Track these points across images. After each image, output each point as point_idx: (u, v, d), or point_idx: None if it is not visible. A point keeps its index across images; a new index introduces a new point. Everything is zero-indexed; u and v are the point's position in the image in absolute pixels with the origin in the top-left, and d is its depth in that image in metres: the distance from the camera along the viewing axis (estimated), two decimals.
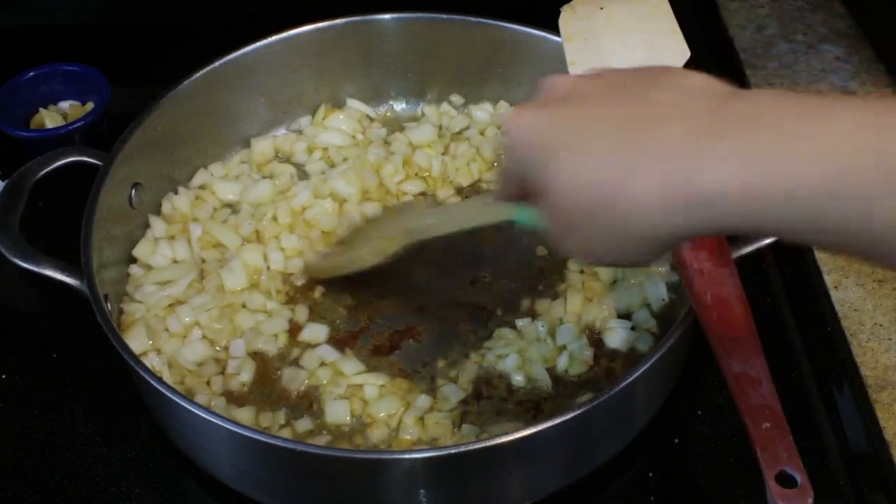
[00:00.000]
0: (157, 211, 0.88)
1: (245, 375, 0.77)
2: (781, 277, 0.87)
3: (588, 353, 0.77)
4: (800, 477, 0.58)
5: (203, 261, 0.85)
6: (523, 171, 0.54)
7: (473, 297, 0.82)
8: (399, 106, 1.00)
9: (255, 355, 0.78)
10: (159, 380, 0.67)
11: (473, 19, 0.94)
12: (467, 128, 0.97)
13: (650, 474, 0.73)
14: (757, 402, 0.62)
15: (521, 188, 0.56)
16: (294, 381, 0.76)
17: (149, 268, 0.84)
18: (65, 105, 1.02)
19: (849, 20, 1.06)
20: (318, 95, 0.97)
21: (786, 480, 0.58)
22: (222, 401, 0.75)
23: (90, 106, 0.99)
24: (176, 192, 0.89)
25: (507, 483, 0.68)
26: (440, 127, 0.97)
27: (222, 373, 0.77)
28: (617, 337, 0.78)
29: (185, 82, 0.88)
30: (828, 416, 0.77)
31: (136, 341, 0.77)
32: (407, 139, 0.95)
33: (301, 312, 0.81)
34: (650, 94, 0.50)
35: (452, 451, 0.63)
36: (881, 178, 0.42)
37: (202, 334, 0.79)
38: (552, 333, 0.79)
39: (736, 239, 0.72)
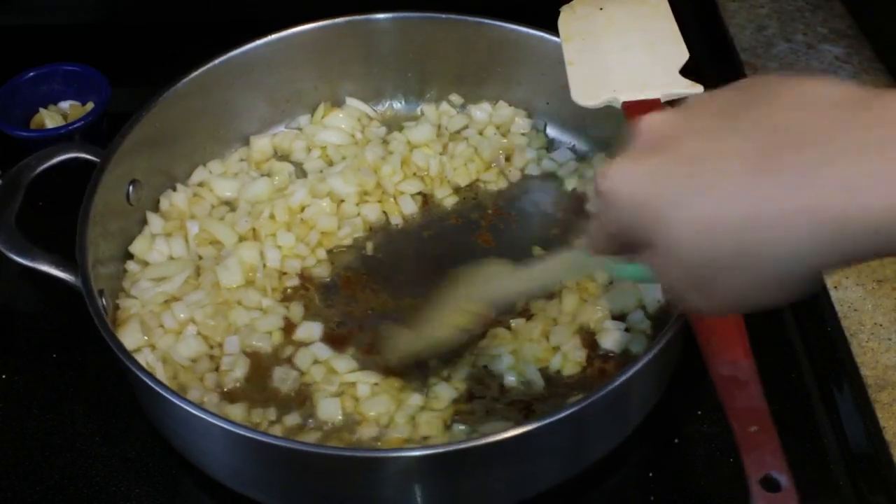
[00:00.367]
0: (155, 208, 0.88)
1: (239, 372, 0.77)
2: None
3: (581, 354, 0.77)
4: (784, 480, 0.57)
5: (200, 257, 0.85)
6: (627, 228, 0.48)
7: None
8: (398, 105, 1.00)
9: (249, 352, 0.78)
10: (150, 375, 0.67)
11: (473, 19, 0.94)
12: (466, 127, 0.97)
13: (650, 474, 0.73)
14: (744, 405, 0.61)
15: (621, 244, 0.51)
16: (285, 381, 0.76)
17: (145, 264, 0.84)
18: (65, 105, 1.02)
19: (849, 20, 1.05)
20: (317, 94, 0.97)
21: (771, 484, 0.58)
22: (215, 397, 0.75)
23: (90, 106, 1.00)
24: (174, 189, 0.89)
25: (499, 481, 0.67)
26: (439, 126, 0.97)
27: (216, 369, 0.77)
28: (611, 338, 0.78)
29: (185, 80, 0.88)
30: (828, 416, 0.76)
31: (130, 337, 0.76)
32: (405, 138, 0.95)
33: (296, 310, 0.81)
34: (770, 118, 0.44)
35: (443, 450, 0.63)
36: None
37: (197, 331, 0.79)
38: (546, 334, 0.78)
39: None
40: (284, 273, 0.84)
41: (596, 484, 0.73)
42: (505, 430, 0.63)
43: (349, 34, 0.94)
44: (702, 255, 0.45)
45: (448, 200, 0.91)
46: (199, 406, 0.65)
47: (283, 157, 0.95)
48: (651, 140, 0.47)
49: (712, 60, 1.05)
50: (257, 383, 0.77)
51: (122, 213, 0.84)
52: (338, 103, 0.98)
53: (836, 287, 0.81)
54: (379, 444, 0.72)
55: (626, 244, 0.51)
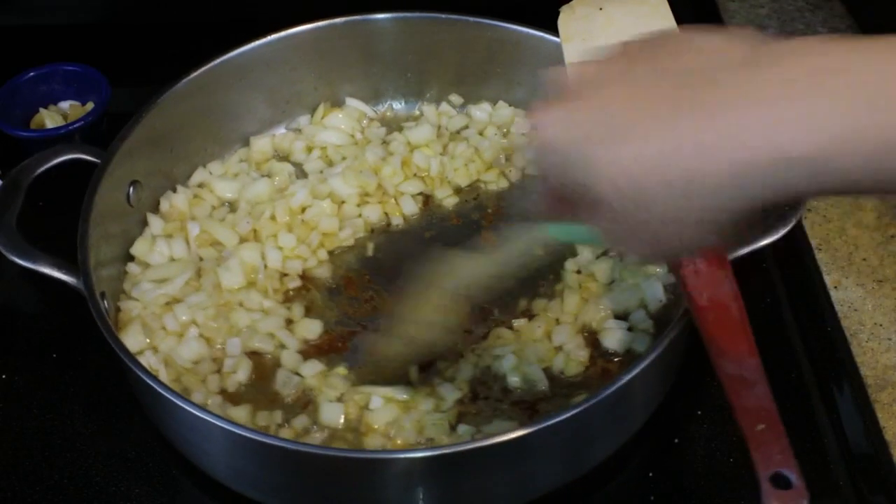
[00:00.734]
0: (156, 209, 0.88)
1: (241, 374, 0.76)
2: (781, 277, 0.87)
3: (584, 354, 0.77)
4: (794, 478, 0.57)
5: (200, 259, 0.84)
6: (562, 176, 0.49)
7: None
8: (398, 105, 1.00)
9: (252, 354, 0.78)
10: (154, 378, 0.67)
11: (473, 19, 0.93)
12: (466, 127, 0.97)
13: (650, 474, 0.73)
14: (751, 404, 0.62)
15: (563, 198, 0.52)
16: (286, 385, 0.76)
17: (146, 266, 0.84)
18: (65, 105, 1.02)
19: (849, 20, 1.05)
20: (317, 94, 0.97)
21: (780, 482, 0.58)
22: (218, 399, 0.75)
23: (90, 106, 0.99)
24: (174, 191, 0.89)
25: (504, 482, 0.67)
26: (439, 127, 0.97)
27: (218, 371, 0.77)
28: (613, 338, 0.78)
29: (185, 80, 0.88)
30: (828, 416, 0.77)
31: (132, 339, 0.76)
32: (405, 139, 0.95)
33: (297, 311, 0.81)
34: (684, 63, 0.46)
35: (448, 451, 0.63)
36: None
37: (199, 332, 0.78)
38: (548, 334, 0.78)
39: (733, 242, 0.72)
40: (286, 274, 0.84)
41: (597, 485, 0.73)
42: (510, 430, 0.63)
43: (349, 34, 0.94)
44: (631, 194, 0.46)
45: (449, 201, 0.91)
46: (204, 409, 0.65)
47: (283, 157, 0.95)
48: (574, 87, 0.49)
49: None
50: (261, 385, 0.77)
51: (123, 214, 0.84)
52: (338, 104, 0.98)
53: (836, 287, 0.81)
54: (385, 446, 0.72)
55: (568, 203, 0.52)
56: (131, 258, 0.84)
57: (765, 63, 0.44)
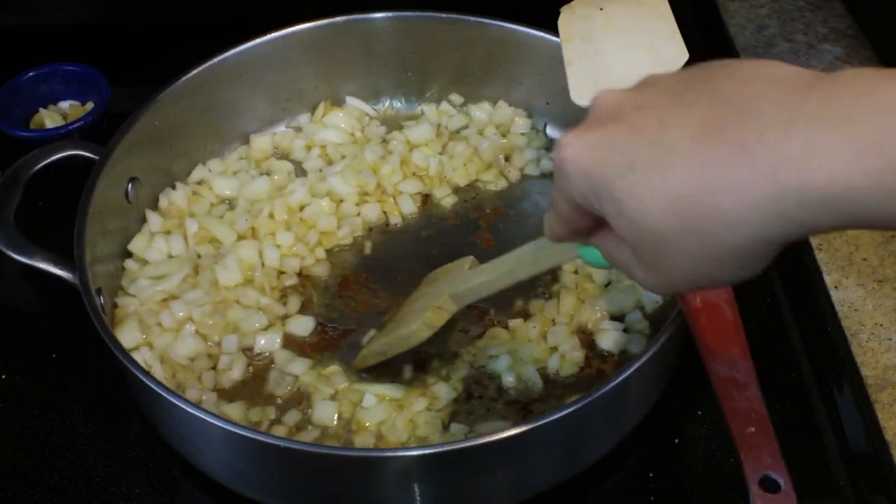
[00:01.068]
0: (154, 206, 0.88)
1: (236, 371, 0.76)
2: (781, 277, 0.86)
3: (579, 355, 0.77)
4: (783, 482, 0.57)
5: (198, 256, 0.84)
6: (582, 204, 0.48)
7: None
8: (398, 104, 1.00)
9: (247, 351, 0.78)
10: (148, 374, 0.67)
11: (473, 19, 0.93)
12: (465, 127, 0.97)
13: (650, 474, 0.73)
14: (742, 406, 0.62)
15: (580, 224, 0.52)
16: (279, 385, 0.76)
17: (144, 262, 0.84)
18: (65, 105, 1.02)
19: (849, 20, 1.05)
20: (317, 93, 0.97)
21: (769, 485, 0.57)
22: (213, 396, 0.75)
23: (90, 106, 1.00)
24: (173, 188, 0.89)
25: (498, 481, 0.67)
26: (438, 126, 0.97)
27: (214, 368, 0.77)
28: (609, 339, 0.77)
29: (185, 78, 0.88)
30: (828, 416, 0.76)
31: (128, 336, 0.76)
32: (405, 138, 0.95)
33: (294, 309, 0.81)
34: (719, 92, 0.44)
35: (442, 450, 0.63)
36: None
37: (195, 329, 0.78)
38: (544, 334, 0.78)
39: None
40: (283, 272, 0.84)
41: (596, 484, 0.73)
42: (503, 429, 0.62)
43: (349, 33, 0.94)
44: (652, 228, 0.44)
45: (447, 200, 0.91)
46: (196, 405, 0.65)
47: (282, 155, 0.95)
48: (602, 114, 0.48)
49: (712, 60, 1.04)
50: (255, 382, 0.77)
51: (121, 211, 0.84)
52: (338, 102, 0.98)
53: (836, 287, 0.81)
54: (378, 444, 0.71)
55: (581, 227, 0.52)
56: (129, 255, 0.84)
57: (813, 95, 0.42)
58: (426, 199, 0.91)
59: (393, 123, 0.98)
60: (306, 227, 0.87)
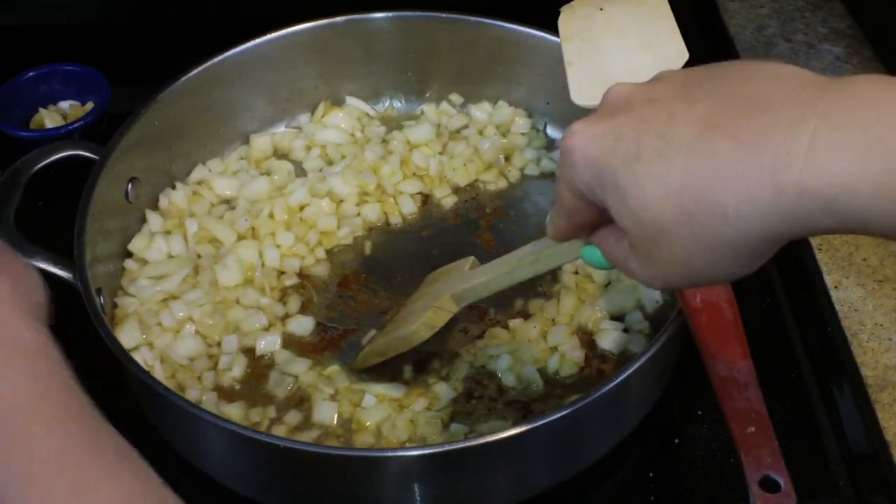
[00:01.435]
0: (154, 206, 0.88)
1: (237, 371, 0.76)
2: (781, 277, 0.86)
3: (579, 355, 0.77)
4: (783, 482, 0.57)
5: (198, 256, 0.84)
6: (587, 195, 0.48)
7: None
8: (398, 104, 1.00)
9: (247, 351, 0.78)
10: (148, 374, 0.67)
11: (473, 19, 0.94)
12: (466, 127, 0.97)
13: (650, 474, 0.73)
14: (742, 406, 0.62)
15: (582, 218, 0.52)
16: (279, 385, 0.76)
17: (144, 262, 0.84)
18: (64, 105, 1.02)
19: (849, 20, 1.05)
20: (317, 93, 0.97)
21: (769, 485, 0.58)
22: (213, 396, 0.75)
23: (90, 106, 1.00)
24: (173, 188, 0.89)
25: (498, 481, 0.67)
26: (438, 126, 0.97)
27: (214, 368, 0.77)
28: (609, 338, 0.77)
29: (185, 78, 0.88)
30: (828, 416, 0.76)
31: (128, 336, 0.76)
32: (405, 138, 0.95)
33: (294, 309, 0.81)
34: (730, 88, 0.44)
35: (442, 450, 0.63)
36: None
37: (195, 329, 0.78)
38: (544, 334, 0.78)
39: None
40: (283, 272, 0.84)
41: (596, 484, 0.73)
42: (503, 429, 0.62)
43: (349, 33, 0.94)
44: (653, 219, 0.45)
45: (447, 200, 0.91)
46: (196, 405, 0.65)
47: (282, 155, 0.95)
48: (613, 106, 0.48)
49: (712, 61, 1.04)
50: (255, 382, 0.77)
51: (121, 210, 0.84)
52: (338, 102, 0.98)
53: (836, 287, 0.81)
54: (378, 444, 0.71)
55: (583, 221, 0.52)
56: (129, 255, 0.84)
57: (824, 97, 0.41)
58: (426, 199, 0.91)
59: (393, 123, 0.98)
60: (306, 227, 0.87)
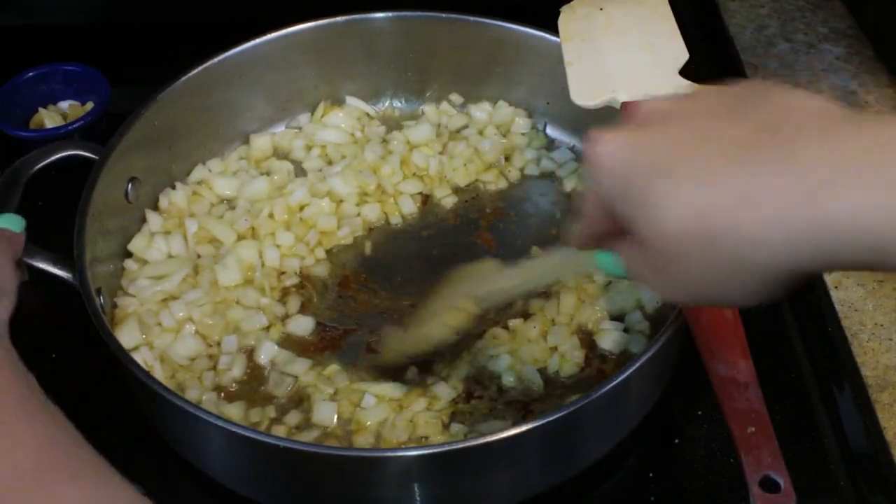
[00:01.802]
0: (154, 206, 0.88)
1: (236, 371, 0.76)
2: None
3: (579, 355, 0.76)
4: (783, 482, 0.57)
5: (198, 256, 0.84)
6: (611, 205, 0.48)
7: None
8: (398, 104, 1.00)
9: (247, 351, 0.78)
10: (147, 374, 0.67)
11: (473, 19, 0.93)
12: (466, 127, 0.97)
13: (650, 474, 0.73)
14: (742, 406, 0.62)
15: (604, 228, 0.52)
16: (279, 385, 0.76)
17: (144, 262, 0.84)
18: (64, 105, 1.02)
19: (849, 20, 1.05)
20: (317, 93, 0.97)
21: (769, 485, 0.58)
22: (213, 396, 0.75)
23: (90, 106, 1.00)
24: (173, 188, 0.89)
25: (498, 481, 0.67)
26: (438, 126, 0.97)
27: (214, 368, 0.77)
28: (609, 339, 0.77)
29: (185, 78, 0.88)
30: (828, 416, 0.76)
31: (127, 336, 0.76)
32: (405, 138, 0.95)
33: (294, 309, 0.81)
34: (765, 114, 0.44)
35: (442, 450, 0.63)
36: None
37: (195, 329, 0.78)
38: (544, 334, 0.78)
39: None
40: (283, 272, 0.84)
41: (596, 484, 0.73)
42: (503, 429, 0.62)
43: (349, 33, 0.94)
44: (675, 235, 0.44)
45: (447, 200, 0.91)
46: (196, 405, 0.65)
47: (282, 155, 0.95)
48: (647, 118, 0.48)
49: (712, 60, 1.05)
50: (255, 383, 0.76)
51: (121, 210, 0.84)
52: (338, 102, 0.98)
53: (836, 287, 0.81)
54: (377, 444, 0.71)
55: (602, 231, 0.51)
56: (129, 255, 0.84)
57: (859, 130, 0.42)
58: (426, 199, 0.91)
59: (393, 123, 0.98)
60: (306, 227, 0.87)
